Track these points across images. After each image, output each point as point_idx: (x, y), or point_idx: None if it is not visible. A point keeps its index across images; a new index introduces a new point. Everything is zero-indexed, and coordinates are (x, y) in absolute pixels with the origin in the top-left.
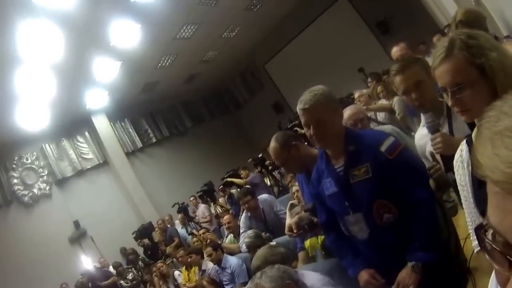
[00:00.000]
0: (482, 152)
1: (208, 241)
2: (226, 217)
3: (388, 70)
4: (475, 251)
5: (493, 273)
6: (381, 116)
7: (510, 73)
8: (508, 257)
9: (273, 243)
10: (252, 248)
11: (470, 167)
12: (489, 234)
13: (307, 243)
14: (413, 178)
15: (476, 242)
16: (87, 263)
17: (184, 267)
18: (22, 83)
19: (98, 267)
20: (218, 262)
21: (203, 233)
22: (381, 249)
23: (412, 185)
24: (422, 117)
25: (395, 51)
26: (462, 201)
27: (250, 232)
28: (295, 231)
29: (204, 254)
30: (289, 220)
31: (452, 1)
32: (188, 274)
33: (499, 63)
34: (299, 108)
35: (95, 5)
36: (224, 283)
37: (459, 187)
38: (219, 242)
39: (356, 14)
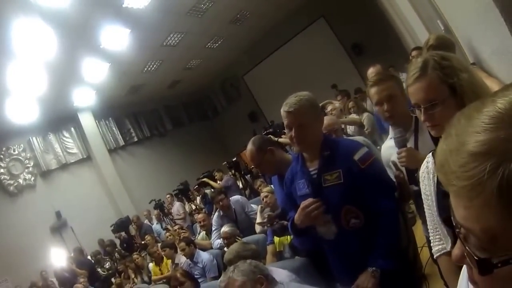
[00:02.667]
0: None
1: (182, 236)
2: (200, 216)
3: (360, 89)
4: (435, 256)
5: (462, 272)
6: (350, 129)
7: (479, 93)
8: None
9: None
10: (230, 237)
11: (435, 178)
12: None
13: (276, 238)
14: (380, 189)
15: (438, 247)
16: (58, 257)
17: (153, 262)
18: (14, 77)
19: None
20: (190, 256)
21: (177, 229)
22: (346, 252)
23: (379, 195)
24: (391, 131)
25: (371, 72)
26: (426, 209)
27: (227, 225)
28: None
29: (178, 249)
30: (259, 220)
31: (423, 29)
32: (160, 269)
33: (469, 84)
34: (283, 110)
35: (88, 8)
36: (195, 276)
37: (424, 196)
38: (192, 238)
39: (332, 35)
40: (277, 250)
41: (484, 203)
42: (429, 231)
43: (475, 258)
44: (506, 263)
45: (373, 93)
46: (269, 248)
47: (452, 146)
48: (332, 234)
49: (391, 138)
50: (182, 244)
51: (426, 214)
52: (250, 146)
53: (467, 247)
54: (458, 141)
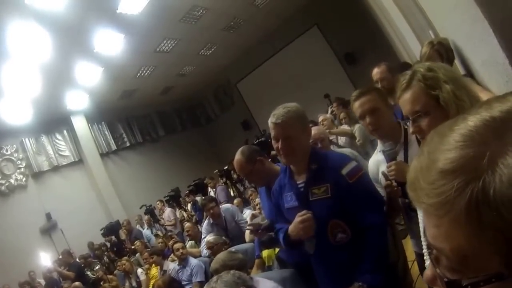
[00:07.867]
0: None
1: (174, 241)
2: (187, 225)
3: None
4: (426, 265)
5: None
6: (342, 140)
7: (462, 106)
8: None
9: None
10: (214, 245)
11: None
12: None
13: (265, 253)
14: (368, 204)
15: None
16: (46, 259)
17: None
18: (8, 78)
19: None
20: (182, 260)
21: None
22: (332, 266)
23: (367, 210)
24: (380, 144)
25: (376, 72)
26: (419, 217)
27: (210, 234)
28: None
29: (173, 249)
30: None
31: (415, 39)
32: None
33: (452, 96)
34: (271, 121)
35: (83, 13)
36: (183, 282)
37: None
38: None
39: (326, 44)
40: (266, 265)
41: (453, 222)
42: (422, 239)
43: (445, 279)
44: (476, 286)
45: (357, 107)
46: (257, 262)
47: (423, 163)
48: (312, 249)
49: (379, 152)
50: (178, 245)
51: (420, 221)
52: (239, 156)
53: (437, 269)
54: (429, 159)
